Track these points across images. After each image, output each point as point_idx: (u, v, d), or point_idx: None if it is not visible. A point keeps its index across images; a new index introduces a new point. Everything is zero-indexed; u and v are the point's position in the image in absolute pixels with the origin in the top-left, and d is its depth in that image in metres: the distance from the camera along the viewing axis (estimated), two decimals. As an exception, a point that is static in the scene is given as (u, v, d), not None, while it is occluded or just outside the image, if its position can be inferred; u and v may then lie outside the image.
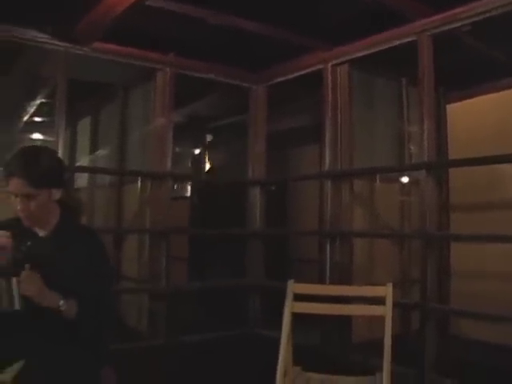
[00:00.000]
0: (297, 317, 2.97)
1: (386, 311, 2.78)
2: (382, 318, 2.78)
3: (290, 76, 4.78)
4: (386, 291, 2.84)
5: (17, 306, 2.09)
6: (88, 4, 3.62)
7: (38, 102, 5.78)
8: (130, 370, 2.69)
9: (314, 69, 4.51)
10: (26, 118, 6.41)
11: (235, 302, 4.73)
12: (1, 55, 4.75)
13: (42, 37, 3.93)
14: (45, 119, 6.56)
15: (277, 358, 2.80)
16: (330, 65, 4.36)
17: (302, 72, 4.63)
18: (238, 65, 4.86)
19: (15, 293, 2.09)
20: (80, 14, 3.78)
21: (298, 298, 2.99)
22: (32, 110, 6.08)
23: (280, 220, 6.02)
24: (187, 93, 5.15)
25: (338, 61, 4.34)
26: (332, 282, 4.17)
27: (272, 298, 4.51)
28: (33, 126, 6.98)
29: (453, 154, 4.73)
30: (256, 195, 4.89)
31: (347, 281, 4.15)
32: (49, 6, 3.71)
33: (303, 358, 2.99)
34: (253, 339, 4.52)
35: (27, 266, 2.12)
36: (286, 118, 6.22)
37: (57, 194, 2.26)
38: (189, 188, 7.21)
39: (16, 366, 2.03)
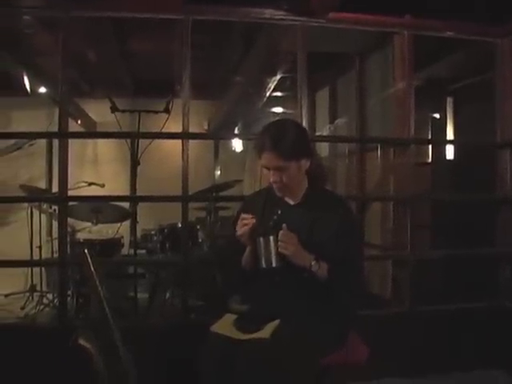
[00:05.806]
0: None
1: None
2: None
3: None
4: None
5: (274, 264, 2.22)
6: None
7: (278, 77, 6.04)
8: (374, 336, 2.71)
9: None
10: (267, 94, 6.75)
11: (482, 273, 4.47)
12: (244, 36, 5.06)
13: (278, 14, 4.06)
14: (284, 93, 6.86)
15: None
16: None
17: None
18: (479, 19, 4.50)
19: (273, 251, 2.22)
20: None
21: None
22: (273, 85, 6.38)
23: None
24: (425, 54, 4.94)
25: None
26: None
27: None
28: (274, 101, 7.35)
29: None
30: (506, 158, 4.52)
31: None
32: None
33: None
34: (503, 313, 4.24)
35: (284, 225, 2.24)
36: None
37: (305, 164, 2.36)
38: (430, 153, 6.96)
39: (273, 324, 2.18)
